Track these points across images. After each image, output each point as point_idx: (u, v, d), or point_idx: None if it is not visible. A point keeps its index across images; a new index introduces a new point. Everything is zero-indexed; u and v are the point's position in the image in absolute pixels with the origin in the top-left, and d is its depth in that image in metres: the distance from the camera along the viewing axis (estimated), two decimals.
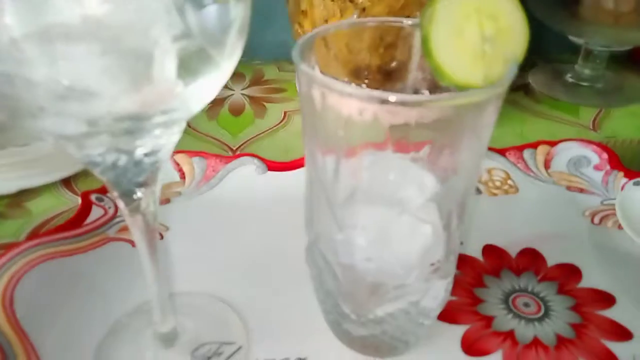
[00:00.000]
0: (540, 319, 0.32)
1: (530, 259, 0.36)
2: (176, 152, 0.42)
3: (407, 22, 0.26)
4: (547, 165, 0.44)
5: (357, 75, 0.39)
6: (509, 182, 0.43)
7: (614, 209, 0.38)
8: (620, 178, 0.42)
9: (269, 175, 0.42)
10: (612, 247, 0.37)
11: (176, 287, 0.33)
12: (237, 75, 0.63)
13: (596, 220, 0.40)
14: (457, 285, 0.34)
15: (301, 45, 0.22)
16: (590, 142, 0.45)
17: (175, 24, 0.16)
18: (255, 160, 0.42)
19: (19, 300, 0.30)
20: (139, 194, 0.21)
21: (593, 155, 0.44)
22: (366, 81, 0.30)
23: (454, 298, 0.33)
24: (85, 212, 0.37)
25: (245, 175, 0.42)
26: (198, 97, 0.19)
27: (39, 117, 0.16)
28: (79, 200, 0.38)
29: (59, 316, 0.31)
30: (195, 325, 0.31)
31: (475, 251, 0.37)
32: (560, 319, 0.32)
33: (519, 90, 0.60)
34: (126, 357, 0.29)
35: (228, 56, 0.18)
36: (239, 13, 0.17)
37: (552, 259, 0.36)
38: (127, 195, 0.22)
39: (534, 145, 0.45)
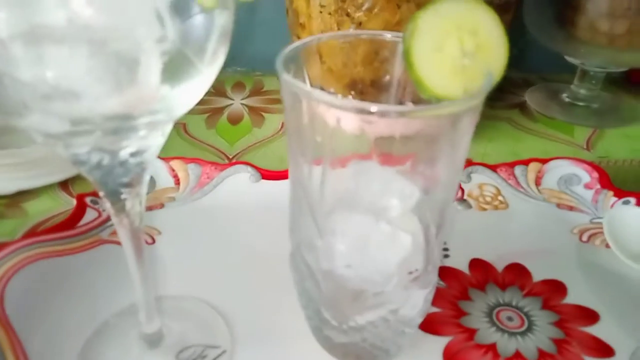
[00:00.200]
0: (522, 333, 0.32)
1: (516, 273, 0.36)
2: (172, 158, 0.43)
3: (392, 36, 0.27)
4: (537, 182, 0.45)
5: (351, 88, 0.40)
6: (500, 197, 0.43)
7: (603, 228, 0.38)
8: (609, 197, 0.42)
9: (263, 184, 0.43)
10: (599, 265, 0.38)
11: (165, 290, 0.34)
12: (237, 85, 0.64)
13: (584, 237, 0.40)
14: (442, 297, 0.34)
15: (285, 55, 0.23)
16: (581, 160, 0.45)
17: (159, 30, 0.17)
18: (249, 169, 0.43)
19: (9, 298, 0.31)
20: (124, 194, 0.22)
21: (584, 174, 0.44)
22: (353, 94, 0.31)
23: (438, 310, 0.33)
24: (79, 214, 0.38)
25: (239, 182, 0.43)
26: (180, 101, 0.19)
27: (24, 115, 0.16)
28: (75, 202, 0.39)
29: (48, 314, 0.31)
30: (181, 328, 0.31)
31: (461, 264, 0.37)
32: (542, 334, 0.32)
33: (515, 109, 0.61)
34: (111, 356, 0.29)
35: (209, 62, 0.19)
36: (221, 22, 0.18)
37: (538, 275, 0.36)
38: (113, 196, 0.22)
39: (526, 162, 0.46)
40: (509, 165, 0.45)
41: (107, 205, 0.23)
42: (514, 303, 0.34)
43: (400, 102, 0.28)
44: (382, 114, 0.20)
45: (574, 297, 0.35)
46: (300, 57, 0.25)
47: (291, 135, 0.25)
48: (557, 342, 0.31)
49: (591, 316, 0.33)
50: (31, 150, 0.42)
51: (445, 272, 0.36)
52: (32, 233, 0.37)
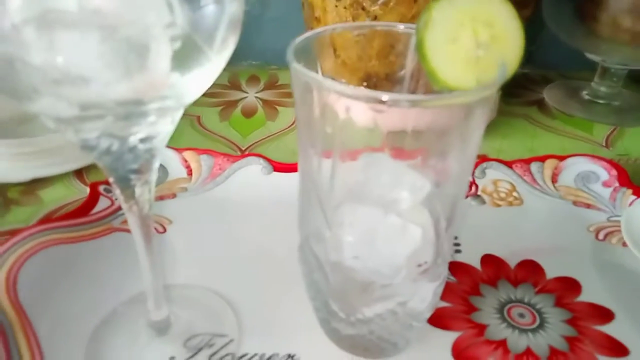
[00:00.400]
0: (534, 330, 0.32)
1: (529, 270, 0.36)
2: (185, 149, 0.43)
3: (404, 27, 0.26)
4: (554, 179, 0.44)
5: (365, 82, 0.39)
6: (514, 194, 0.43)
7: (620, 226, 0.37)
8: (628, 195, 0.41)
9: (275, 176, 0.43)
10: (615, 263, 0.37)
11: (174, 278, 0.34)
12: (252, 79, 0.64)
13: (600, 236, 0.39)
14: (453, 293, 0.34)
15: (296, 45, 0.23)
16: (599, 158, 0.44)
17: (168, 16, 0.17)
18: (262, 161, 0.43)
19: (22, 282, 0.31)
20: (134, 180, 0.22)
21: (602, 172, 0.43)
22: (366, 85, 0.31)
23: (447, 304, 0.33)
24: (92, 202, 0.38)
25: (250, 174, 0.43)
26: (190, 87, 0.19)
27: (34, 99, 0.16)
28: (88, 191, 0.39)
29: (59, 300, 0.32)
30: (189, 316, 0.31)
31: (473, 260, 0.36)
32: (554, 331, 0.31)
33: (533, 105, 0.60)
34: (119, 343, 0.30)
35: (218, 50, 0.19)
36: (231, 10, 0.18)
37: (551, 272, 0.36)
38: (123, 182, 0.22)
39: (542, 159, 0.45)
40: (524, 161, 0.45)
41: (116, 192, 0.23)
42: (526, 300, 0.34)
43: (413, 94, 0.27)
44: (393, 103, 0.20)
45: (588, 295, 0.34)
46: (313, 48, 0.25)
47: (301, 126, 0.25)
48: (570, 340, 0.31)
49: (606, 315, 0.33)
50: (47, 139, 0.43)
51: (456, 267, 0.36)
52: (46, 219, 0.38)
